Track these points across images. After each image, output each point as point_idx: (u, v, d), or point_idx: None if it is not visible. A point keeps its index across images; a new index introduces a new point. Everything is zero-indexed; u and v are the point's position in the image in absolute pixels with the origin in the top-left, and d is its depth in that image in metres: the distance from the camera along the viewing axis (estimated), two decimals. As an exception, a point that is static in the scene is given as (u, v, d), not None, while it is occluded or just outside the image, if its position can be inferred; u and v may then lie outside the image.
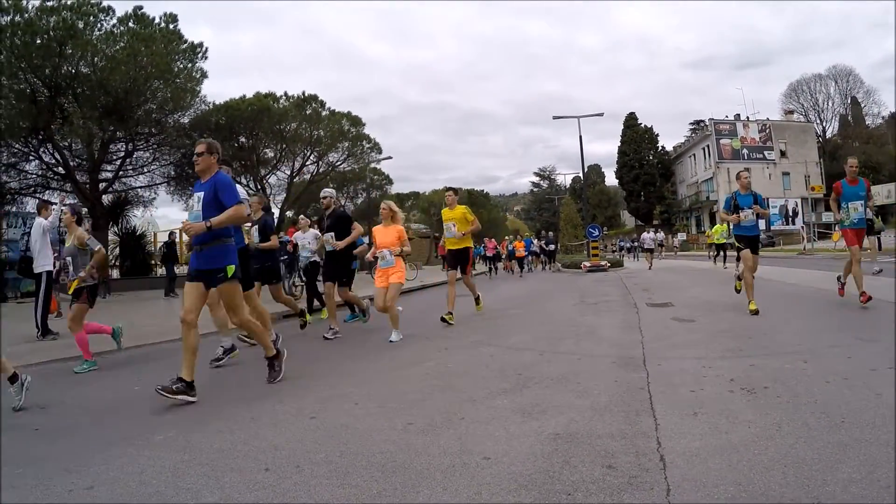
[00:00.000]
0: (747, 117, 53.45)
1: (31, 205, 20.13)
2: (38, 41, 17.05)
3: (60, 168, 20.09)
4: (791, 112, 57.11)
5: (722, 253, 18.74)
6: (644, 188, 60.14)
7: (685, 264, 24.14)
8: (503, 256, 25.76)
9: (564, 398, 3.86)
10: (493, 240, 25.56)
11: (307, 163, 28.91)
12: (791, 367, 4.29)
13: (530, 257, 26.51)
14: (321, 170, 29.71)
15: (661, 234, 32.25)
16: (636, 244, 44.02)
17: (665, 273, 18.27)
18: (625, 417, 3.36)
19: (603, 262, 23.29)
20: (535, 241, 28.26)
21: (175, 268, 17.94)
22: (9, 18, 16.64)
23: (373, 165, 34.87)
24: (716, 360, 4.75)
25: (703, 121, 57.82)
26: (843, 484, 2.29)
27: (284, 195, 28.52)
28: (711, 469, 2.52)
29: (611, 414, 3.45)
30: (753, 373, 4.21)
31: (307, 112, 26.70)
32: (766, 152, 52.23)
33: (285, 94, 26.34)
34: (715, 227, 19.23)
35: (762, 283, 11.51)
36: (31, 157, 20.43)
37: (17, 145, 19.43)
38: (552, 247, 27.19)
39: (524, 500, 2.35)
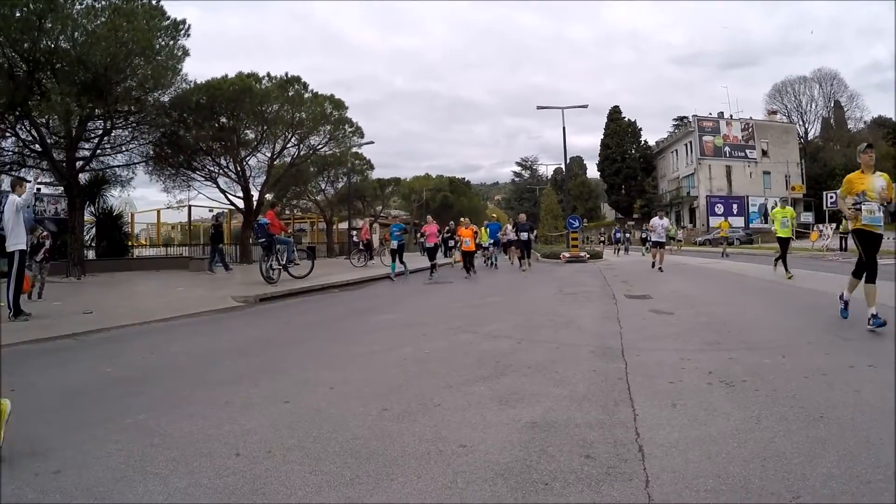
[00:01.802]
0: (731, 116, 53.99)
1: (5, 182, 19.67)
2: (18, 14, 16.59)
3: (37, 145, 19.61)
4: (774, 112, 57.77)
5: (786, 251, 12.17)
6: (625, 181, 60.64)
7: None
8: (454, 246, 20.40)
9: (542, 387, 3.83)
10: (434, 223, 16.98)
11: (288, 145, 28.48)
12: (770, 362, 4.30)
13: (491, 249, 21.08)
14: (302, 153, 29.38)
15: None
16: (627, 235, 40.79)
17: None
18: (603, 407, 3.33)
19: (582, 254, 23.31)
20: (510, 229, 21.60)
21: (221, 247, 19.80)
22: (-13, -9, 16.16)
23: (354, 150, 34.69)
24: (694, 353, 4.75)
25: (686, 117, 58.31)
26: (823, 479, 2.28)
27: (265, 178, 28.14)
28: (691, 461, 2.50)
29: (589, 403, 3.42)
30: (732, 366, 4.21)
31: (289, 94, 26.21)
32: (747, 151, 52.92)
33: (268, 74, 25.85)
34: (774, 210, 13.28)
35: (739, 279, 11.61)
36: (7, 134, 19.98)
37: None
38: (525, 235, 18.10)
39: (500, 489, 2.31)
